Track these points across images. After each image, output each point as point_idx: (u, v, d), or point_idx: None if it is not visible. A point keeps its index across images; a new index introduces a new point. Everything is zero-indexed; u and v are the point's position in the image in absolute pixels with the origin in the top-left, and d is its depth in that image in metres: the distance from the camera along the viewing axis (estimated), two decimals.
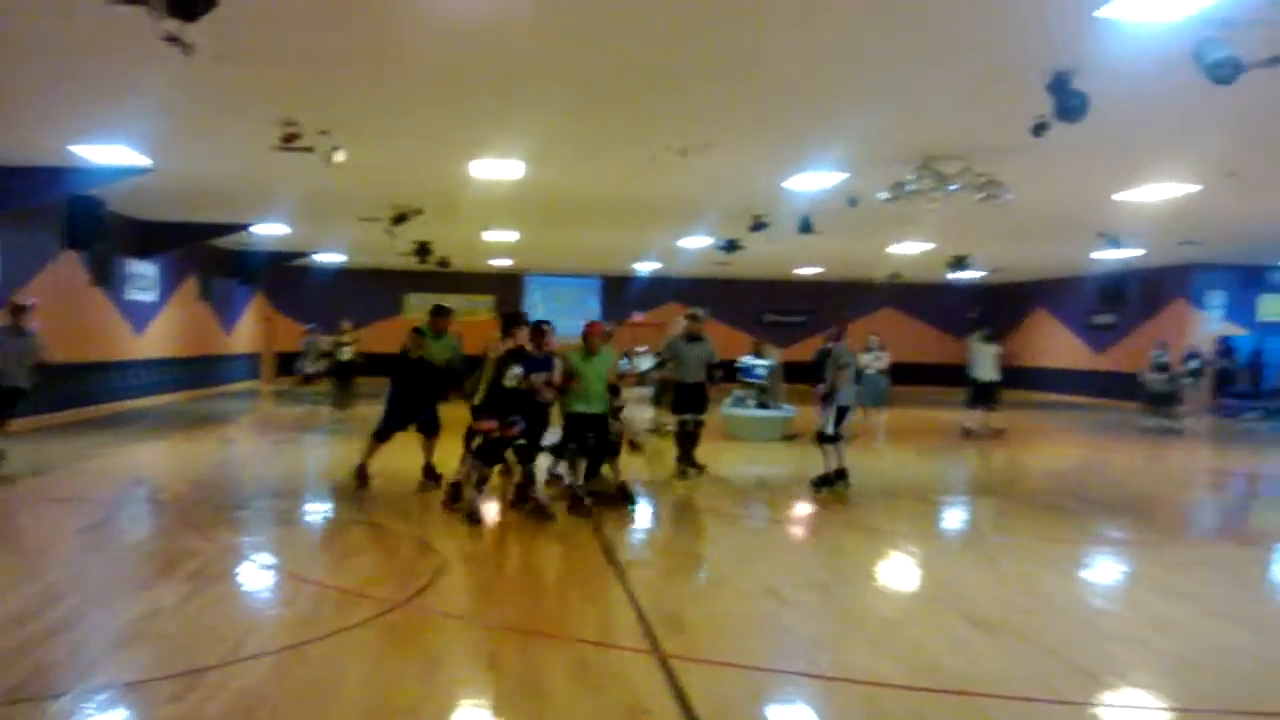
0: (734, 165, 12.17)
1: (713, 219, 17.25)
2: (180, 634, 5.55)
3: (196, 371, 22.96)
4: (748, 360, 17.45)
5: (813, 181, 12.77)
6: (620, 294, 30.86)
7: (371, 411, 12.75)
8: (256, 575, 7.18)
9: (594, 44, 7.47)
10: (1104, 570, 8.10)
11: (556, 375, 9.30)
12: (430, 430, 10.69)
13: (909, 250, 21.20)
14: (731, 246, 19.42)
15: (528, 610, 6.33)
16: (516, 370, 8.88)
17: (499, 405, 8.85)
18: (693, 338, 11.85)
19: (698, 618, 6.22)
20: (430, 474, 10.59)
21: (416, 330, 10.66)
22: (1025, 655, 5.52)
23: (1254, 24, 6.37)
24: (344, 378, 14.51)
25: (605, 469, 9.96)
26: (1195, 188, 12.76)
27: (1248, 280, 23.82)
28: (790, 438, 15.96)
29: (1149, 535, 9.26)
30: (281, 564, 7.40)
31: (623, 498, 9.69)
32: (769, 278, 30.36)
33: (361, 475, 10.39)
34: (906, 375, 25.99)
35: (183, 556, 7.27)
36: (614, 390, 10.19)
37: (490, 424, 8.83)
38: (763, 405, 16.57)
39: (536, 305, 31.47)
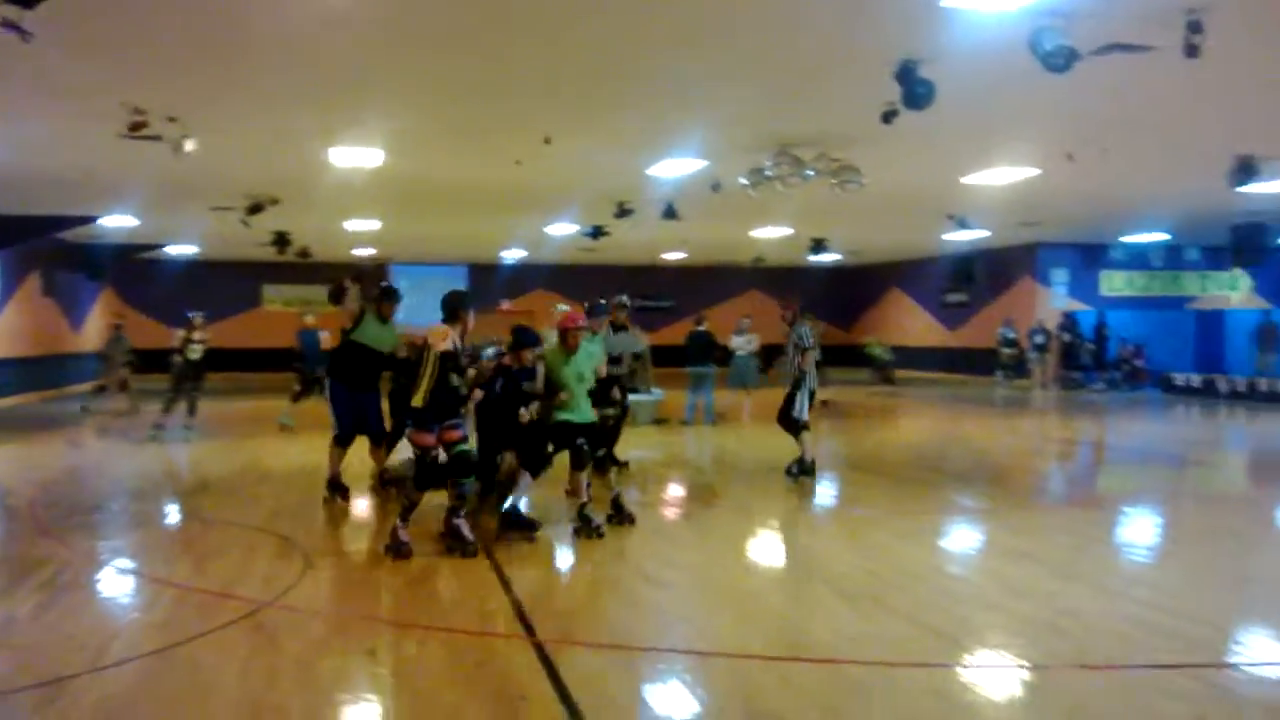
0: (599, 153, 12.24)
1: (579, 206, 17.31)
2: (39, 643, 5.34)
3: (43, 372, 21.87)
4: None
5: (676, 168, 12.93)
6: (487, 282, 30.61)
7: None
8: (115, 580, 6.94)
9: (453, 29, 7.42)
10: (959, 538, 8.48)
11: (538, 384, 8.11)
12: (379, 438, 9.44)
13: (771, 234, 21.65)
14: (598, 233, 19.54)
15: (401, 603, 6.30)
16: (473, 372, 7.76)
17: (440, 410, 7.24)
18: (618, 328, 11.51)
19: (572, 602, 6.30)
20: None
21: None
22: (886, 622, 5.75)
23: (1086, 15, 6.73)
24: (193, 377, 13.98)
25: (595, 479, 8.50)
26: (1036, 171, 13.39)
27: (1089, 258, 25.11)
28: (659, 421, 16.17)
29: (1001, 503, 9.73)
30: (141, 568, 7.17)
31: (616, 511, 8.31)
32: (636, 263, 30.58)
33: (335, 487, 9.24)
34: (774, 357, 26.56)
35: (36, 563, 6.98)
36: (610, 383, 9.18)
37: (429, 438, 7.20)
38: (631, 390, 16.69)
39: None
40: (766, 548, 8.02)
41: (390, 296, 9.41)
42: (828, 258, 25.95)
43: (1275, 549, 8.31)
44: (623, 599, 6.38)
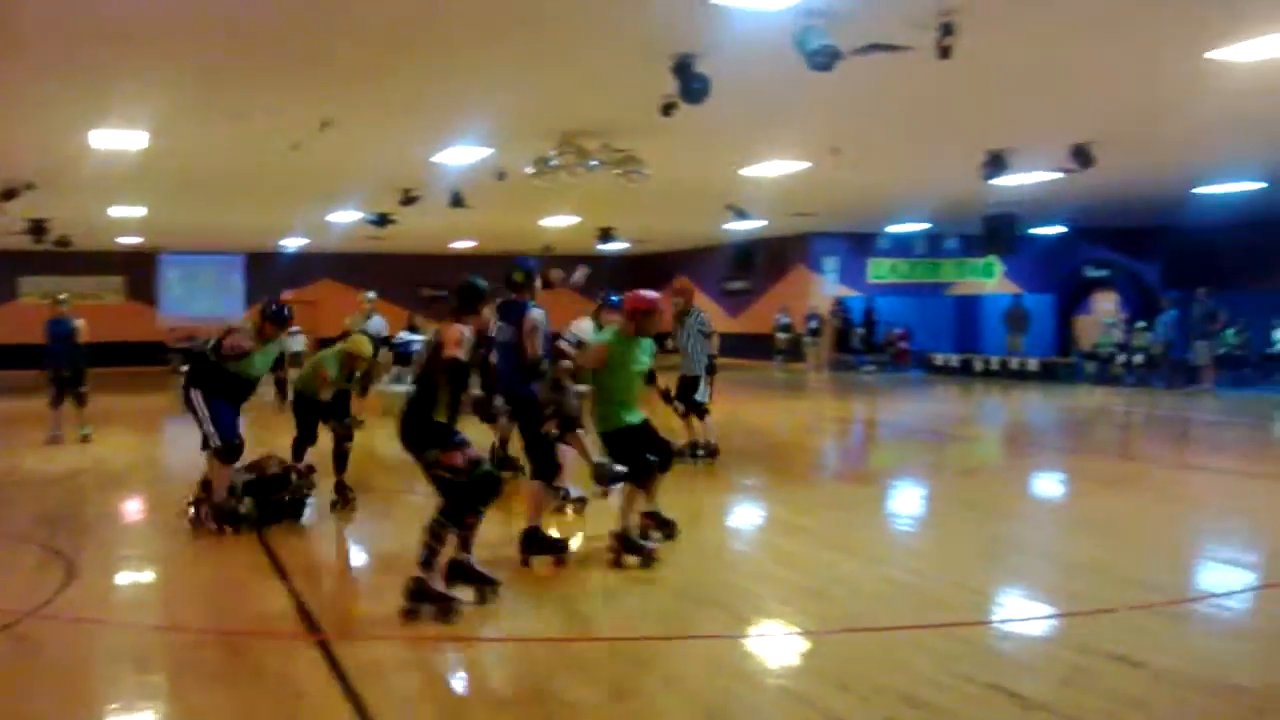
0: (381, 139, 12.00)
1: (363, 193, 16.89)
2: None
3: None
4: (404, 336, 17.28)
5: (461, 156, 12.83)
6: (266, 271, 29.47)
7: None
8: None
9: (217, 4, 7.12)
10: (738, 515, 8.84)
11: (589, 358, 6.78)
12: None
13: (559, 223, 21.77)
14: (383, 221, 19.11)
15: (177, 610, 6.03)
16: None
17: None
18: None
19: (356, 598, 6.21)
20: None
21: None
22: (665, 599, 5.96)
23: (847, 15, 7.10)
24: None
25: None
26: (807, 164, 14.03)
27: (858, 247, 26.50)
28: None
29: (778, 481, 10.19)
30: None
31: (660, 525, 7.31)
32: (426, 252, 30.11)
33: (232, 516, 7.75)
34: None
35: None
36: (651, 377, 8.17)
37: (460, 456, 5.59)
38: None
39: (172, 285, 29.50)
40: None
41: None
42: (616, 246, 26.30)
43: (1021, 516, 9.03)
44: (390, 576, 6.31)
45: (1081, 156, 12.45)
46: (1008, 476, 10.69)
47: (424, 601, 5.42)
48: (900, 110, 10.86)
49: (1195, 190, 17.74)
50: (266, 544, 7.31)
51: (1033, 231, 24.75)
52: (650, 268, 33.29)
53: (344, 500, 8.49)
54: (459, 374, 5.59)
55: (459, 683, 4.70)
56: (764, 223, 22.50)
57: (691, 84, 8.24)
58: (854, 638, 5.23)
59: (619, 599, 5.96)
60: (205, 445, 7.82)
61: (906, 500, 9.65)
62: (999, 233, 19.41)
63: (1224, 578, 6.45)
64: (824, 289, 26.15)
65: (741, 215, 19.33)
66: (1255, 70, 8.65)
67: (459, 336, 5.63)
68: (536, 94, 9.84)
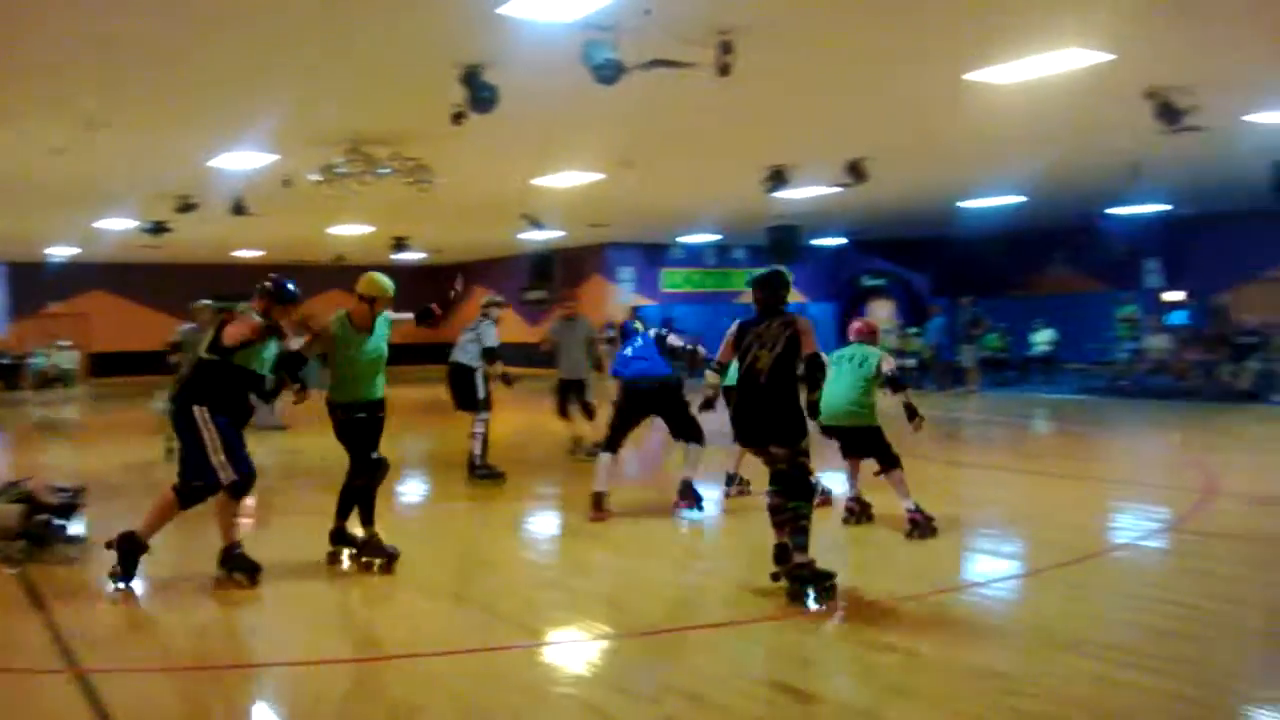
0: (154, 143, 11.41)
1: (136, 199, 15.96)
2: None
3: None
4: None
5: (242, 161, 12.34)
6: (31, 283, 27.44)
7: None
8: None
9: None
10: (534, 525, 8.84)
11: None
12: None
13: (350, 232, 21.23)
14: (159, 229, 18.12)
15: None
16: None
17: None
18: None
19: (119, 625, 5.86)
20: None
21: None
22: (460, 613, 5.91)
23: (632, 30, 7.24)
24: None
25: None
26: (599, 175, 14.20)
27: (651, 257, 27.01)
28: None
29: (573, 489, 10.22)
30: None
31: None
32: (208, 261, 28.74)
33: (244, 565, 6.46)
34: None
35: None
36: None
37: None
38: None
39: None
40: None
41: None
42: (412, 256, 25.88)
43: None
44: (178, 616, 6.01)
45: (856, 172, 13.12)
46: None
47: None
48: (687, 125, 11.16)
49: (961, 204, 18.98)
50: (28, 581, 6.80)
51: (815, 242, 25.89)
52: (445, 278, 32.91)
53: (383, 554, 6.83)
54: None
55: (233, 714, 4.50)
56: (560, 233, 22.64)
57: (480, 93, 8.22)
58: (643, 642, 5.33)
59: (407, 616, 5.86)
60: (198, 477, 6.30)
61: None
62: (783, 243, 20.24)
63: (984, 567, 6.92)
64: (620, 298, 26.51)
65: (537, 225, 19.39)
66: (1012, 91, 9.35)
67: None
68: (322, 99, 9.57)
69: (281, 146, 11.59)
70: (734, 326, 6.26)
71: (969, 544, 7.69)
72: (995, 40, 7.99)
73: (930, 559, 6.94)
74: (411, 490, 10.52)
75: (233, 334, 6.37)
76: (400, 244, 22.33)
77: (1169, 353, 18.21)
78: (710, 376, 6.46)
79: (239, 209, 14.87)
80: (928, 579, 6.36)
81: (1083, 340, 21.64)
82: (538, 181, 14.70)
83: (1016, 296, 25.21)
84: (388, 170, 11.38)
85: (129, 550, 6.32)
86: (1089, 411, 16.47)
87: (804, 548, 5.80)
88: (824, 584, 5.74)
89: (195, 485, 6.32)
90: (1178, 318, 20.56)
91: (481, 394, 10.51)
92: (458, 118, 8.93)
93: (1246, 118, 10.86)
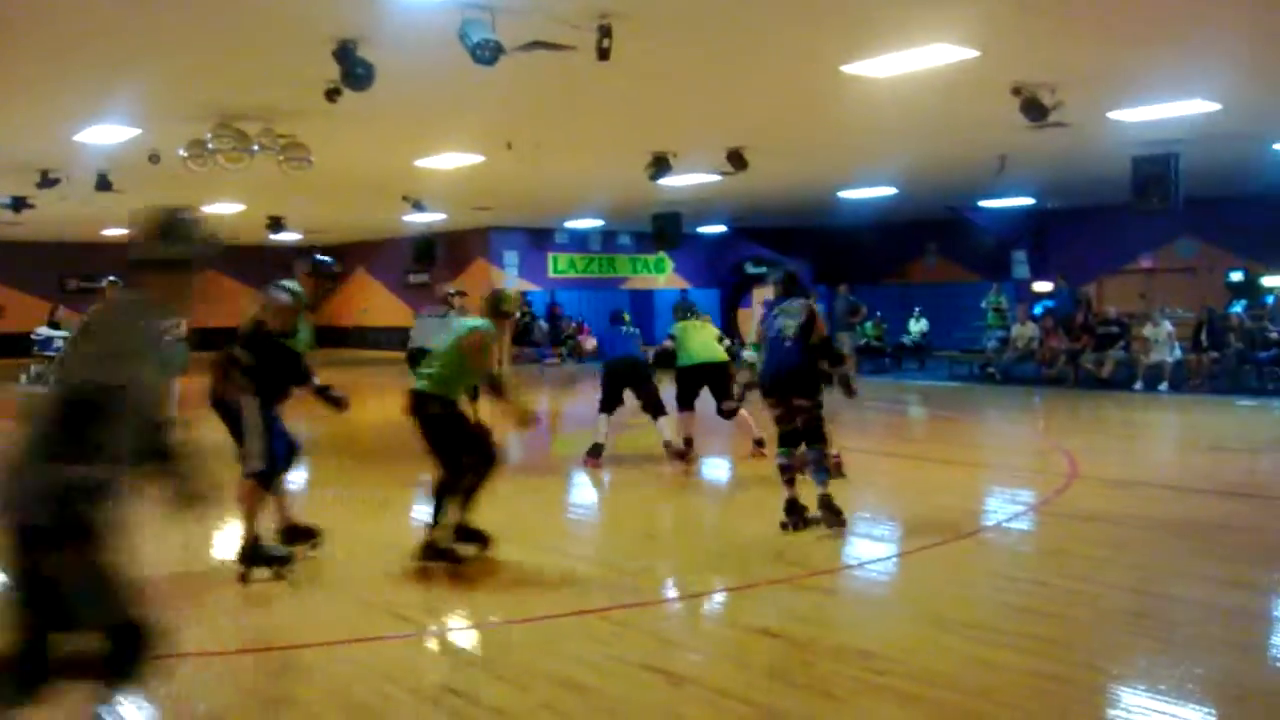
0: (15, 115, 10.84)
1: None
2: None
3: None
4: (44, 331, 15.72)
5: (106, 135, 11.79)
6: None
7: None
8: None
9: None
10: (407, 513, 8.69)
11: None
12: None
13: (223, 210, 20.52)
14: (19, 204, 17.23)
15: None
16: None
17: None
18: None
19: None
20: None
21: None
22: (324, 604, 5.77)
23: (510, 10, 7.14)
24: None
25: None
26: (481, 158, 14.02)
27: (537, 241, 26.84)
28: None
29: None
30: None
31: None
32: (74, 239, 27.47)
33: (271, 557, 6.29)
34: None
35: None
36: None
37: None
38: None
39: None
40: (216, 540, 7.63)
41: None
42: (289, 237, 25.18)
43: (685, 500, 9.47)
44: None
45: (736, 160, 13.24)
46: (670, 463, 11.19)
47: None
48: (569, 109, 11.07)
49: (841, 194, 19.34)
50: None
51: (699, 230, 26.09)
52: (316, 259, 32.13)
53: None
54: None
55: (96, 706, 4.30)
56: (443, 216, 22.28)
57: (355, 69, 8.00)
58: (516, 628, 5.30)
59: (276, 607, 5.70)
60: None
61: (578, 489, 9.87)
62: (666, 230, 20.33)
63: (856, 549, 7.05)
64: (506, 283, 26.28)
65: (419, 207, 19.06)
66: (886, 85, 9.52)
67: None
68: (188, 72, 9.18)
69: (148, 121, 11.11)
70: (764, 310, 7.70)
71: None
72: (868, 33, 8.12)
73: (804, 541, 7.05)
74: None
75: (278, 311, 6.41)
76: (276, 224, 21.69)
77: (1035, 341, 18.89)
78: (748, 355, 8.08)
79: (104, 185, 14.22)
80: (801, 561, 6.47)
81: (954, 328, 22.30)
82: (420, 162, 14.43)
83: (891, 285, 25.86)
84: (258, 148, 11.01)
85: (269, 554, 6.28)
86: (959, 398, 17.00)
87: (825, 483, 7.11)
88: (839, 514, 7.12)
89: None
90: (1043, 308, 21.37)
91: None
92: (332, 94, 8.69)
93: (1110, 114, 11.29)
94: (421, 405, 6.48)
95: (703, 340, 10.55)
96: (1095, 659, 4.80)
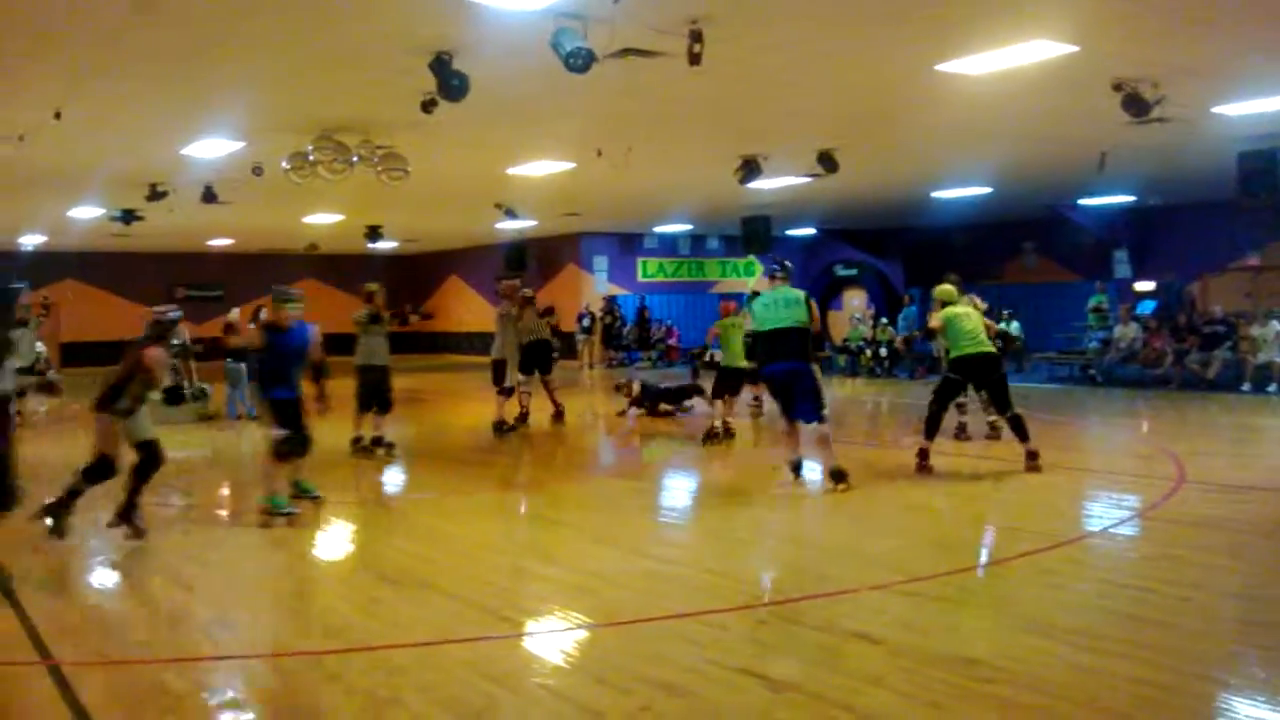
0: (120, 131, 11.29)
1: (105, 187, 15.78)
2: None
3: None
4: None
5: (211, 149, 12.21)
6: (1, 272, 27.08)
7: None
8: None
9: None
10: (505, 514, 8.83)
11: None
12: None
13: (323, 221, 21.08)
14: (129, 217, 17.93)
15: None
16: None
17: None
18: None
19: (95, 618, 5.81)
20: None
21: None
22: (431, 603, 5.88)
23: (602, 19, 7.22)
24: None
25: None
26: (571, 165, 14.15)
27: (626, 246, 27.00)
28: (208, 418, 15.25)
29: (547, 477, 10.24)
30: None
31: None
32: (179, 250, 28.48)
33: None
34: (337, 346, 25.87)
35: None
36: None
37: None
38: (175, 386, 15.60)
39: None
40: (316, 540, 7.85)
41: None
42: (386, 245, 25.74)
43: (780, 504, 9.42)
44: (153, 609, 5.97)
45: (827, 162, 13.14)
46: (764, 466, 11.12)
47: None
48: (659, 114, 11.13)
49: (933, 194, 19.05)
50: None
51: (788, 233, 25.94)
52: (422, 267, 32.73)
53: None
54: None
55: (205, 706, 4.46)
56: (534, 222, 22.55)
57: (450, 81, 8.17)
58: (614, 631, 5.33)
59: (384, 606, 5.83)
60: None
61: (671, 492, 9.91)
62: (755, 233, 20.25)
63: (957, 556, 6.94)
64: (595, 287, 26.50)
65: (511, 214, 19.31)
66: (982, 83, 9.38)
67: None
68: (290, 87, 9.50)
69: (251, 134, 11.48)
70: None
71: (943, 532, 7.74)
72: (964, 31, 8.01)
73: (902, 547, 6.98)
74: (388, 480, 10.47)
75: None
76: (374, 233, 22.18)
77: (1138, 342, 18.35)
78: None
79: (209, 197, 14.72)
80: (900, 567, 6.39)
81: (1052, 329, 21.76)
82: (512, 170, 14.63)
83: (986, 285, 25.33)
84: (358, 159, 11.28)
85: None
86: (1060, 400, 16.59)
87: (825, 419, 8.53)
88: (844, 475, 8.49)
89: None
90: (1146, 307, 20.74)
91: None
92: (428, 105, 8.88)
93: (1215, 109, 10.94)
94: None
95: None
96: (1207, 668, 4.65)
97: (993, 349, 9.66)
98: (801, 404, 8.71)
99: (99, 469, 7.21)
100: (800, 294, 9.00)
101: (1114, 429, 13.94)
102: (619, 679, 4.56)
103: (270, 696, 4.56)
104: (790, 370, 8.68)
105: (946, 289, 10.06)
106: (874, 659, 4.75)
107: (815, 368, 8.79)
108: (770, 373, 9.02)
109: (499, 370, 13.25)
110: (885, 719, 4.09)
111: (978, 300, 10.66)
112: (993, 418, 11.03)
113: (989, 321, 10.16)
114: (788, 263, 9.67)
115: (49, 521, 7.14)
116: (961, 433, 11.34)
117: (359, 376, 11.23)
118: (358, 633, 5.38)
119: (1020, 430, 9.50)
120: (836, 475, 8.67)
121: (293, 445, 7.92)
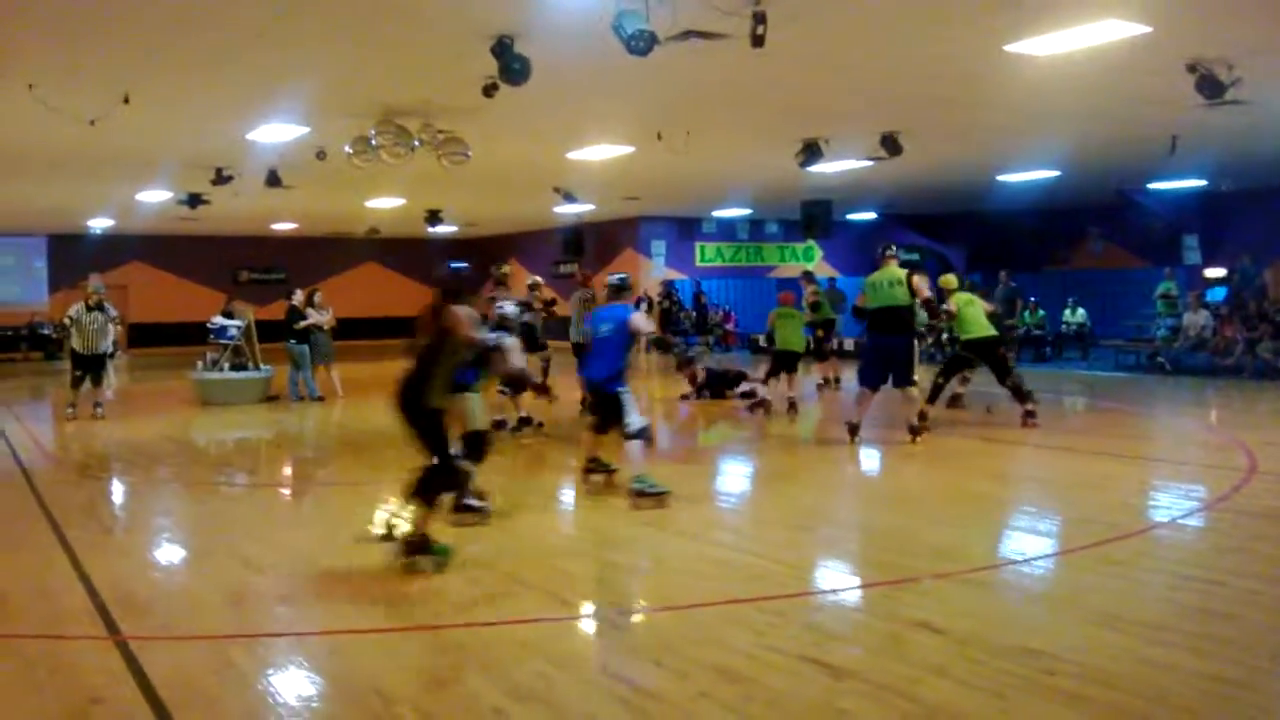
0: (187, 115, 11.46)
1: (171, 171, 16.06)
2: None
3: None
4: (218, 320, 16.55)
5: (275, 134, 12.37)
6: (72, 254, 27.76)
7: None
8: None
9: None
10: (560, 496, 8.85)
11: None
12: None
13: (384, 205, 21.28)
14: (195, 201, 18.24)
15: None
16: None
17: None
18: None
19: (161, 594, 5.93)
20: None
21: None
22: (482, 584, 5.88)
23: (665, 1, 7.17)
24: None
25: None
26: (631, 149, 14.12)
27: (684, 231, 26.93)
28: (271, 399, 15.50)
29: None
30: None
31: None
32: (244, 234, 28.95)
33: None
34: (396, 329, 26.17)
35: None
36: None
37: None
38: (238, 367, 15.89)
39: None
40: (379, 523, 7.94)
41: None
42: (445, 229, 25.93)
43: (835, 489, 9.36)
44: (218, 586, 6.07)
45: (890, 145, 12.96)
46: (823, 451, 11.05)
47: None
48: (720, 97, 11.05)
49: (998, 178, 18.72)
50: (64, 538, 6.91)
51: (848, 217, 25.67)
52: (481, 251, 32.93)
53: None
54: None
55: (268, 682, 4.53)
56: (592, 206, 22.57)
57: (511, 65, 8.18)
58: (671, 615, 5.32)
59: (436, 587, 5.88)
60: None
61: (727, 477, 9.87)
62: (816, 218, 20.06)
63: (1020, 545, 6.84)
64: (653, 272, 26.46)
65: (569, 198, 19.34)
66: (1051, 64, 9.18)
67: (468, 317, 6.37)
68: (352, 71, 9.56)
69: (315, 119, 11.60)
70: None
71: (1006, 521, 7.63)
72: (1033, 10, 7.83)
73: (966, 536, 6.89)
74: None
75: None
76: (434, 217, 22.35)
77: (1207, 329, 17.91)
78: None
79: (274, 181, 14.92)
80: (963, 556, 6.31)
81: (1119, 316, 21.33)
82: (570, 154, 14.64)
83: (1050, 271, 24.91)
84: (419, 143, 11.36)
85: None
86: (1126, 388, 16.26)
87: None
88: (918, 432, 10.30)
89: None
90: (1217, 295, 20.23)
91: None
92: (489, 90, 8.90)
93: None
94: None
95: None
96: (1277, 663, 4.53)
97: (996, 333, 11.96)
98: (898, 371, 10.28)
99: (474, 444, 7.37)
100: (902, 273, 10.30)
101: (1182, 418, 13.63)
102: (677, 663, 4.55)
103: (332, 674, 4.62)
104: (893, 344, 10.29)
105: (949, 278, 12.65)
106: (936, 649, 4.69)
107: (913, 340, 10.48)
108: (875, 344, 10.49)
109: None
110: (948, 709, 4.03)
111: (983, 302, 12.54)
112: (960, 390, 13.24)
113: (987, 305, 12.54)
114: (894, 245, 11.10)
115: (472, 511, 7.19)
116: (956, 402, 13.11)
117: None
118: (419, 613, 5.43)
119: (1020, 395, 11.46)
120: (913, 430, 10.40)
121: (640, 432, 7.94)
